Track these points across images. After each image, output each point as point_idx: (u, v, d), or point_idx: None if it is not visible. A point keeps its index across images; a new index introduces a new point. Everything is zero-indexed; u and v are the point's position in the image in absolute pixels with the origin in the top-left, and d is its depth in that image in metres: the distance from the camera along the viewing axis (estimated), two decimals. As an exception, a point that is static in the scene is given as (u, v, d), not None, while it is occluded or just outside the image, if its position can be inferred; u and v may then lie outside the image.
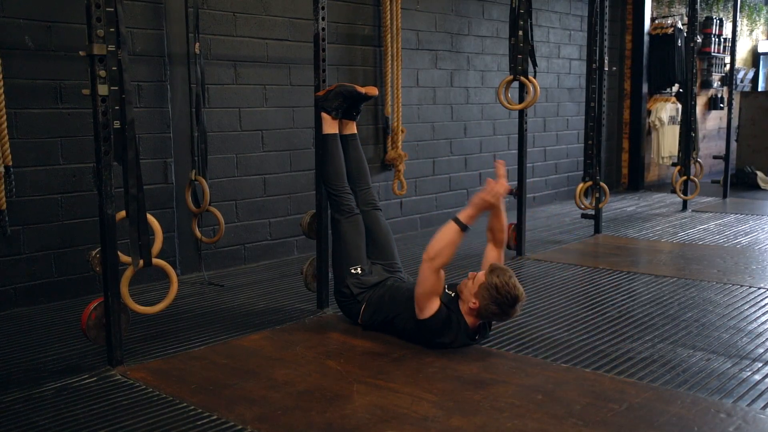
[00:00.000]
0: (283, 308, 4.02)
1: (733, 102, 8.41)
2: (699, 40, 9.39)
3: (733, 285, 4.39)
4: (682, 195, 7.46)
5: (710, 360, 3.14)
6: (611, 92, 8.73)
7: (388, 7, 5.79)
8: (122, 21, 2.93)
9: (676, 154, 8.11)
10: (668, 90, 9.44)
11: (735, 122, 9.34)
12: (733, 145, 9.25)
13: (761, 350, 3.25)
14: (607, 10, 5.90)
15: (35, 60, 4.00)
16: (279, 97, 5.22)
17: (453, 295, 3.27)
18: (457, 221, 3.14)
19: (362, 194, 3.89)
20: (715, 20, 10.33)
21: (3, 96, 3.61)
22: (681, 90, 8.40)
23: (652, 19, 9.32)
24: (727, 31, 10.34)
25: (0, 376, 3.00)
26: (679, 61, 8.95)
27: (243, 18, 4.96)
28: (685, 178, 7.39)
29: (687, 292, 4.25)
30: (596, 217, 6.15)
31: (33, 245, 4.06)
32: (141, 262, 3.12)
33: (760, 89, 12.56)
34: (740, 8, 9.41)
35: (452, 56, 6.68)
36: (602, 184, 5.99)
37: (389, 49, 5.86)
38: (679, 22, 9.24)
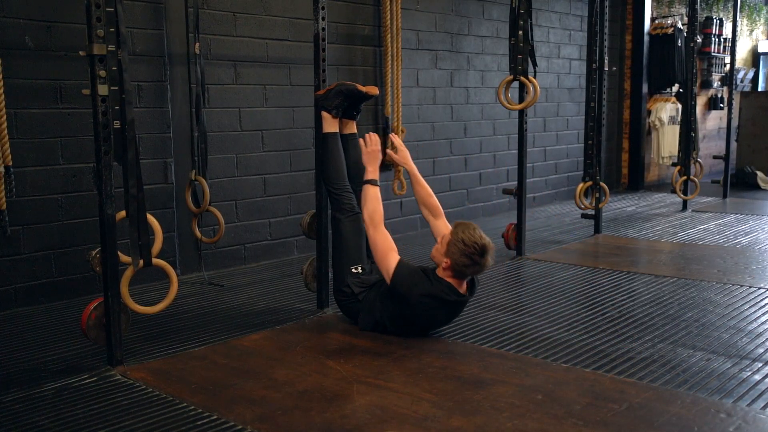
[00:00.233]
0: (283, 308, 4.02)
1: (733, 102, 8.41)
2: (699, 40, 9.39)
3: (733, 285, 4.39)
4: (682, 195, 7.46)
5: (710, 360, 3.14)
6: (611, 92, 8.73)
7: (388, 7, 5.80)
8: (122, 21, 2.93)
9: (676, 154, 8.11)
10: (668, 90, 9.44)
11: (735, 122, 9.34)
12: (733, 145, 9.25)
13: (761, 350, 3.25)
14: (607, 10, 5.90)
15: (35, 60, 4.00)
16: (279, 97, 5.22)
17: (430, 268, 3.43)
18: (367, 182, 3.58)
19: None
20: (715, 20, 10.33)
21: (3, 96, 3.61)
22: (681, 90, 8.40)
23: (652, 19, 9.32)
24: (727, 31, 10.34)
25: (0, 376, 3.01)
26: (679, 61, 8.95)
27: (243, 18, 4.96)
28: (685, 178, 7.39)
29: (687, 292, 4.25)
30: (596, 217, 6.15)
31: (33, 245, 4.06)
32: (141, 262, 3.12)
33: (760, 89, 12.56)
34: (740, 8, 9.41)
35: (452, 56, 6.68)
36: (602, 184, 5.99)
37: (389, 49, 5.86)
38: (679, 22, 9.24)
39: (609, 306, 4.00)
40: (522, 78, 4.98)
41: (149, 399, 2.76)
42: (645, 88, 9.19)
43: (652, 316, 3.79)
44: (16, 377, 3.00)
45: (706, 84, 10.65)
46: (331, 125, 3.83)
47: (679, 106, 8.26)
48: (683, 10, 9.61)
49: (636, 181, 9.30)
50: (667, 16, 9.52)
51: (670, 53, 9.08)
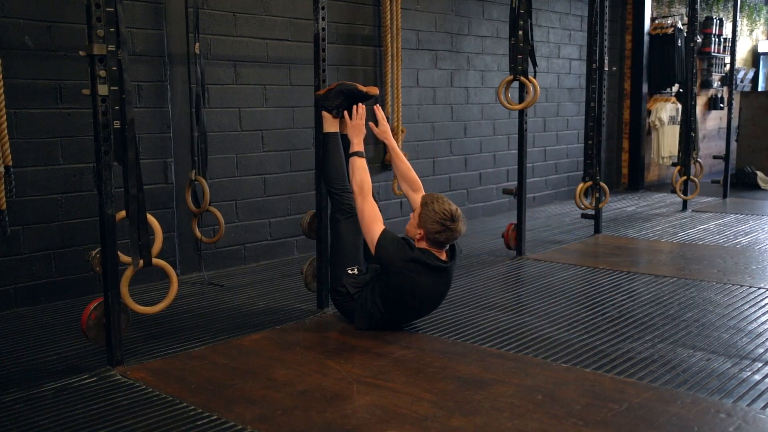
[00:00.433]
0: (283, 308, 4.02)
1: (733, 102, 8.41)
2: (699, 40, 9.39)
3: (733, 285, 4.39)
4: (682, 195, 7.46)
5: (710, 360, 3.14)
6: (611, 92, 8.73)
7: (388, 7, 5.80)
8: (122, 21, 2.93)
9: (676, 154, 8.11)
10: (668, 90, 9.44)
11: (735, 122, 9.34)
12: (733, 145, 9.25)
13: (761, 350, 3.25)
14: (607, 10, 5.90)
15: (35, 60, 4.00)
16: (279, 97, 5.22)
17: (410, 242, 3.51)
18: (353, 154, 3.64)
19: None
20: (715, 20, 10.33)
21: (3, 96, 3.61)
22: (681, 90, 8.40)
23: (652, 19, 9.32)
24: (727, 31, 10.34)
25: (0, 376, 3.01)
26: (679, 61, 8.95)
27: (243, 18, 4.96)
28: (685, 178, 7.39)
29: (687, 292, 4.25)
30: (596, 217, 6.15)
31: (33, 245, 4.06)
32: (141, 262, 3.12)
33: (760, 89, 12.56)
34: (740, 8, 9.41)
35: (452, 56, 6.68)
36: (602, 184, 5.99)
37: (389, 49, 5.86)
38: (679, 22, 9.24)
39: (609, 306, 4.00)
40: (522, 78, 4.98)
41: (149, 399, 2.76)
42: (645, 88, 9.19)
43: (652, 316, 3.79)
44: (16, 377, 3.00)
45: (706, 84, 10.65)
46: (331, 125, 3.83)
47: (679, 106, 8.26)
48: (683, 10, 9.61)
49: (636, 181, 9.30)
50: (667, 16, 9.52)
51: (670, 53, 9.07)
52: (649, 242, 5.87)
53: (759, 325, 3.62)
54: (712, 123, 11.14)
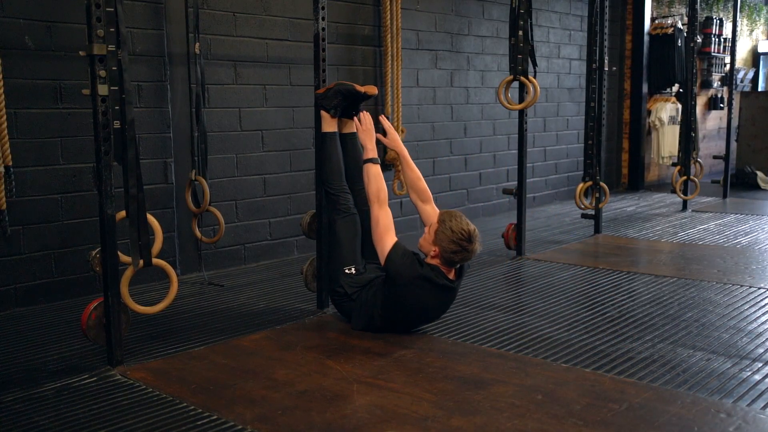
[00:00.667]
0: (283, 308, 4.02)
1: (733, 102, 8.41)
2: (699, 40, 9.39)
3: (733, 285, 4.39)
4: (682, 195, 7.46)
5: (710, 360, 3.14)
6: (611, 92, 8.73)
7: (388, 7, 5.80)
8: (122, 21, 2.93)
9: (676, 154, 8.11)
10: (668, 90, 9.44)
11: (735, 122, 9.34)
12: (733, 145, 9.25)
13: (761, 350, 3.25)
14: (607, 10, 5.90)
15: (35, 60, 4.00)
16: (279, 97, 5.22)
17: (420, 256, 3.47)
18: (368, 161, 3.59)
19: (360, 194, 3.88)
20: (715, 20, 10.33)
21: (3, 96, 3.61)
22: (681, 90, 8.40)
23: (652, 19, 9.32)
24: (727, 31, 10.34)
25: (0, 376, 3.01)
26: (679, 61, 8.95)
27: (243, 18, 4.96)
28: (685, 178, 7.39)
29: (687, 292, 4.25)
30: (596, 217, 6.15)
31: (33, 245, 4.06)
32: (141, 262, 3.12)
33: (760, 89, 12.56)
34: (740, 8, 9.41)
35: (452, 56, 6.68)
36: (602, 184, 5.99)
37: (389, 49, 5.86)
38: (679, 22, 9.24)
39: (609, 306, 4.00)
40: (522, 78, 4.98)
41: (149, 399, 2.76)
42: (645, 88, 9.19)
43: (652, 316, 3.79)
44: (16, 377, 3.00)
45: (706, 84, 10.65)
46: (329, 125, 3.83)
47: (679, 106, 8.26)
48: (683, 10, 9.61)
49: (636, 181, 9.30)
50: (667, 16, 9.52)
51: (670, 53, 9.07)
52: (649, 242, 5.87)
53: (759, 325, 3.62)
54: (712, 123, 11.14)
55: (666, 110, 9.26)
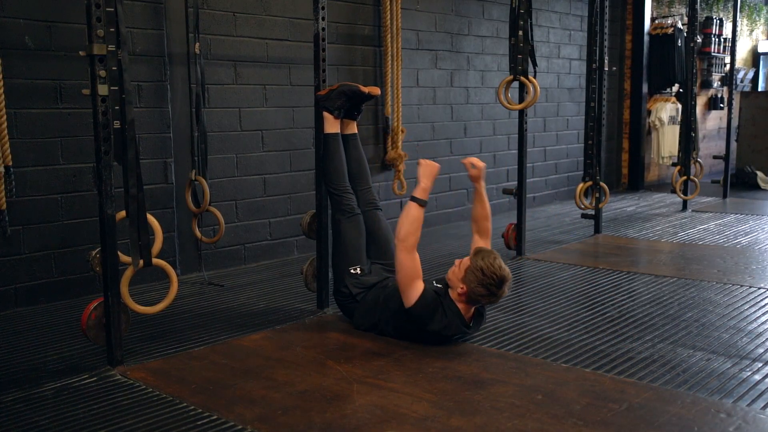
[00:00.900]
0: (283, 308, 4.02)
1: (733, 102, 8.41)
2: (699, 40, 9.39)
3: (733, 285, 4.39)
4: (682, 195, 7.46)
5: (710, 360, 3.14)
6: (611, 92, 8.73)
7: (388, 7, 5.80)
8: (122, 21, 2.93)
9: (676, 154, 8.11)
10: (668, 90, 9.44)
11: (735, 122, 9.34)
12: (733, 145, 9.25)
13: (761, 350, 3.25)
14: (607, 10, 5.90)
15: (35, 60, 4.00)
16: (279, 97, 5.22)
17: (442, 286, 3.32)
18: (414, 199, 3.26)
19: (363, 194, 3.89)
20: (715, 20, 10.33)
21: (3, 96, 3.61)
22: (681, 90, 8.40)
23: (652, 19, 9.32)
24: (727, 31, 10.34)
25: (0, 376, 3.00)
26: (679, 61, 8.95)
27: (243, 18, 4.96)
28: (685, 178, 7.39)
29: (687, 292, 4.25)
30: (596, 217, 6.15)
31: (33, 245, 4.06)
32: (141, 262, 3.12)
33: (760, 89, 12.56)
34: (740, 8, 9.41)
35: (452, 56, 6.68)
36: (602, 184, 5.99)
37: (389, 49, 5.86)
38: (679, 22, 9.24)
39: (609, 306, 4.00)
40: (522, 78, 4.97)
41: (149, 399, 2.76)
42: (645, 88, 9.19)
43: (652, 316, 3.79)
44: (16, 377, 3.00)
45: (706, 84, 10.64)
46: (332, 126, 3.83)
47: (679, 106, 8.26)
48: (683, 10, 9.61)
49: (636, 181, 9.29)
50: (667, 16, 9.52)
51: (670, 53, 9.07)
52: (649, 242, 5.87)
53: (759, 325, 3.61)
54: (712, 123, 11.14)
55: (666, 110, 9.26)
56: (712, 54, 10.45)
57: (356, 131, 4.00)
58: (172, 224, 4.67)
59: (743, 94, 10.34)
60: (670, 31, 9.09)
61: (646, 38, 9.12)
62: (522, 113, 5.17)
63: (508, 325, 3.64)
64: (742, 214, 7.09)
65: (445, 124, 6.68)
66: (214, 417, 2.59)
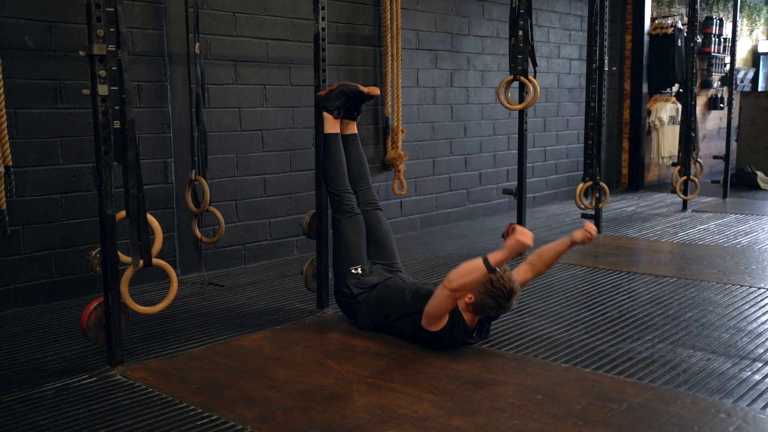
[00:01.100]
0: (283, 308, 4.02)
1: (733, 102, 8.41)
2: (699, 40, 9.39)
3: (733, 285, 4.39)
4: (682, 195, 7.46)
5: (710, 360, 3.14)
6: (611, 92, 8.73)
7: (388, 7, 5.80)
8: (122, 21, 2.93)
9: (676, 154, 8.11)
10: (668, 90, 9.44)
11: (735, 122, 9.34)
12: (733, 145, 9.25)
13: (761, 350, 3.25)
14: (607, 10, 5.90)
15: (35, 60, 4.00)
16: (279, 97, 5.22)
17: (458, 320, 3.25)
18: (486, 262, 3.00)
19: (363, 194, 3.89)
20: (715, 20, 10.33)
21: (3, 96, 3.61)
22: (681, 90, 8.40)
23: (652, 19, 9.32)
24: (727, 31, 10.34)
25: (0, 376, 3.00)
26: (679, 61, 8.95)
27: (243, 18, 4.96)
28: (685, 178, 7.39)
29: (687, 292, 4.25)
30: (596, 217, 6.15)
31: (33, 245, 4.06)
32: (141, 262, 3.12)
33: (760, 89, 12.56)
34: (740, 8, 9.41)
35: (452, 56, 6.68)
36: (602, 184, 5.99)
37: (389, 49, 5.86)
38: (679, 22, 9.24)
39: (609, 306, 4.00)
40: (522, 78, 4.97)
41: (149, 399, 2.76)
42: (645, 88, 9.19)
43: (652, 316, 3.79)
44: (16, 377, 3.00)
45: (706, 84, 10.64)
46: (332, 126, 3.83)
47: (679, 106, 8.26)
48: (683, 10, 9.61)
49: (636, 181, 9.29)
50: (667, 16, 9.52)
51: (670, 53, 9.07)
52: (649, 242, 5.87)
53: (759, 325, 3.62)
54: (712, 123, 11.14)
55: (666, 110, 9.26)
56: (712, 54, 10.45)
57: (356, 131, 4.00)
58: (172, 224, 4.67)
59: (743, 94, 10.34)
60: (670, 31, 9.09)
61: (646, 38, 9.11)
62: (522, 113, 5.17)
63: (508, 325, 3.64)
64: (742, 214, 7.09)
65: (445, 124, 6.68)
66: (214, 417, 2.59)
